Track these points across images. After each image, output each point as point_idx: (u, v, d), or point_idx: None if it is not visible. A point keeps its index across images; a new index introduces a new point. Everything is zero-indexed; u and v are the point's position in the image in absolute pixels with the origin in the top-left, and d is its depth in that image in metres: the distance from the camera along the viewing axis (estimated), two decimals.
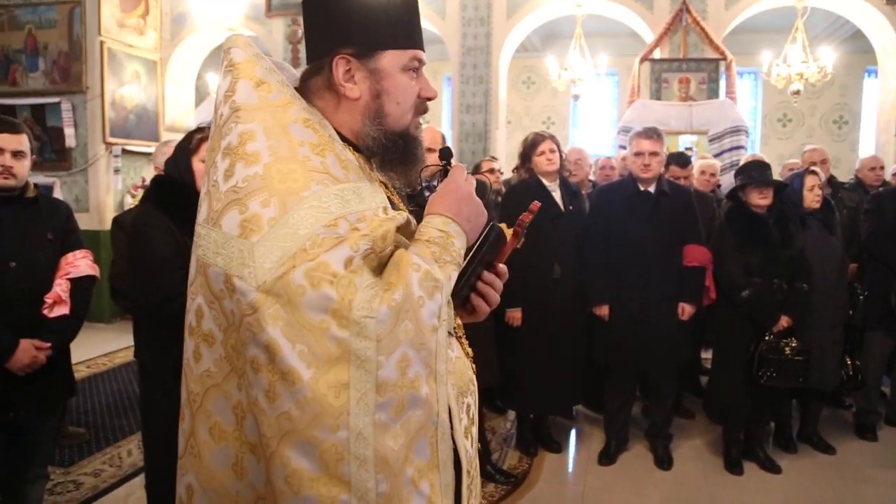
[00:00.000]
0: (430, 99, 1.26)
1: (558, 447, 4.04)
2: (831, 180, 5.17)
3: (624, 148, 5.89)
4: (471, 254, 1.19)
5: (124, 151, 7.72)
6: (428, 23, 8.13)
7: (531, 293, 3.69)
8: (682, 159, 4.86)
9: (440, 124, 11.88)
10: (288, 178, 1.05)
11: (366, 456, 0.98)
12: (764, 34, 8.82)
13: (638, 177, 3.77)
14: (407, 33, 1.21)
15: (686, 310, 3.72)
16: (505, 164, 6.56)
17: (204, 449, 1.10)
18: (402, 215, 1.15)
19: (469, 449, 1.19)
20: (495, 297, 1.27)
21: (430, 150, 3.10)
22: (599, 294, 3.80)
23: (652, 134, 3.73)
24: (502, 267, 1.27)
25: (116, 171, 7.68)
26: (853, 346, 4.21)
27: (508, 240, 1.22)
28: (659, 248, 3.69)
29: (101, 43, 7.41)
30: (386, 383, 1.00)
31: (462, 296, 1.21)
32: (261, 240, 1.01)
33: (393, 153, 1.23)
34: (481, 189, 3.77)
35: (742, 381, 3.68)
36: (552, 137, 3.87)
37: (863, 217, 4.46)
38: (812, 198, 3.87)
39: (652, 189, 3.77)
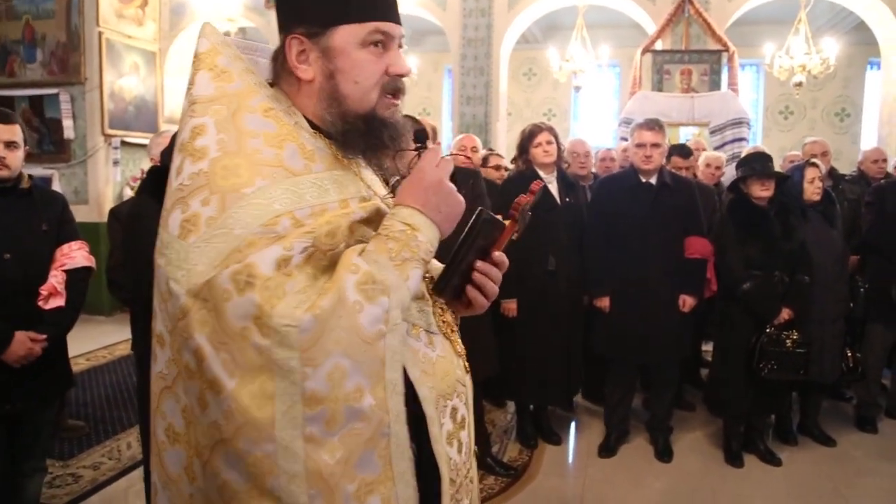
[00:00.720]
0: (401, 75, 1.16)
1: (558, 439, 4.04)
2: (832, 172, 5.15)
3: (625, 140, 5.86)
4: (458, 243, 1.12)
5: (123, 143, 7.70)
6: (429, 14, 8.10)
7: (526, 284, 3.68)
8: (683, 150, 4.86)
9: (440, 116, 11.85)
10: (232, 175, 1.00)
11: (295, 471, 0.94)
12: (766, 26, 8.78)
13: (639, 168, 3.74)
14: (366, 4, 1.11)
15: (687, 302, 3.71)
16: (506, 156, 6.51)
17: (161, 450, 1.08)
18: (368, 206, 1.10)
19: (454, 456, 1.13)
20: (493, 288, 1.19)
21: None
22: (600, 285, 3.79)
23: (654, 125, 3.71)
24: (500, 255, 1.19)
25: (115, 162, 7.66)
26: (854, 339, 4.20)
27: (507, 225, 1.14)
28: (660, 240, 3.67)
29: (100, 34, 7.37)
30: (315, 395, 0.94)
31: (453, 286, 1.15)
32: (197, 241, 0.98)
33: (354, 137, 1.14)
34: (473, 176, 3.66)
35: (743, 373, 3.67)
36: (550, 129, 3.85)
37: (864, 209, 4.46)
38: (812, 190, 3.85)
39: (653, 180, 3.75)
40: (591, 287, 3.83)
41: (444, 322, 1.20)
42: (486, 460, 3.58)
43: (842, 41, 9.03)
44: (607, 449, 3.90)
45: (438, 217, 1.08)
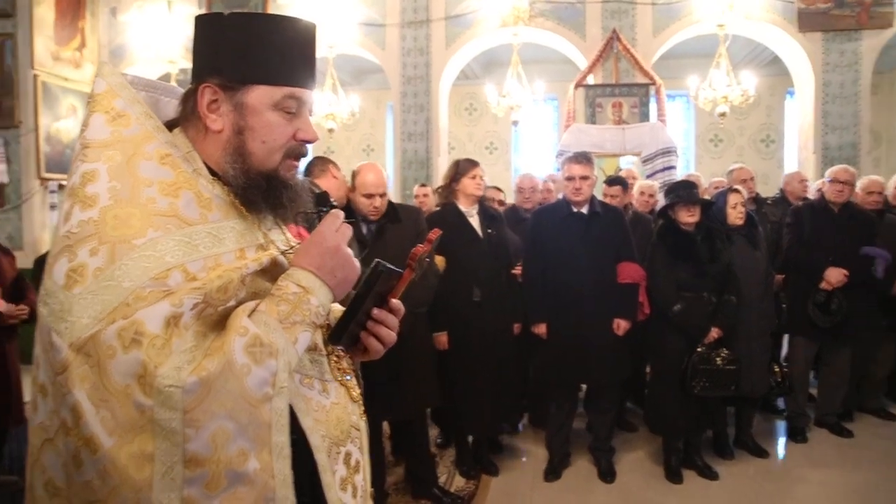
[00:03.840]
0: (308, 142, 1.18)
1: (496, 470, 4.05)
2: (756, 197, 5.45)
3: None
4: (355, 293, 1.15)
5: (61, 187, 7.56)
6: (368, 53, 8.26)
7: (454, 317, 3.73)
8: (618, 179, 5.09)
9: (384, 151, 11.97)
10: (123, 225, 0.99)
11: None
12: (690, 59, 9.22)
13: (571, 199, 3.91)
14: (285, 70, 1.13)
15: (621, 325, 3.85)
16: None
17: None
18: (264, 258, 1.10)
19: (348, 501, 1.15)
20: (389, 335, 1.22)
21: (369, 195, 3.20)
22: (537, 313, 3.90)
23: (582, 159, 3.89)
24: (396, 302, 1.22)
25: (52, 207, 7.51)
26: (781, 354, 4.42)
27: (404, 274, 1.18)
28: (593, 267, 3.82)
29: (35, 76, 7.28)
30: (197, 457, 0.93)
31: (351, 335, 1.18)
32: (82, 292, 0.95)
33: (254, 194, 1.14)
34: (416, 214, 3.79)
35: (677, 392, 3.82)
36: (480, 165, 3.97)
37: (785, 230, 4.72)
38: (735, 215, 4.07)
39: (585, 210, 3.92)
40: (529, 315, 3.94)
41: (339, 369, 1.22)
42: (433, 490, 3.62)
43: (762, 72, 9.57)
44: (551, 472, 3.98)
45: (333, 281, 1.10)
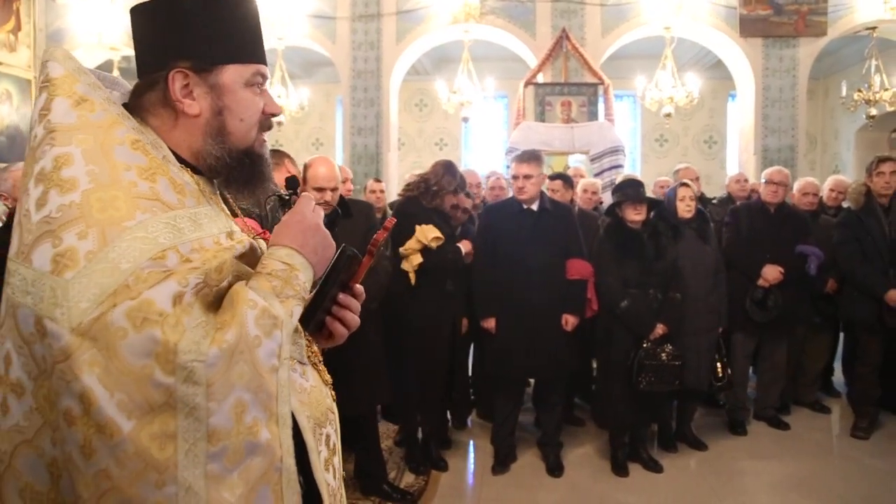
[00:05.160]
0: (274, 115, 1.23)
1: (445, 465, 4.06)
2: (701, 197, 5.61)
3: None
4: (323, 278, 1.16)
5: None
6: (319, 46, 8.16)
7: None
8: (564, 177, 5.16)
9: (334, 146, 11.84)
10: (109, 207, 0.97)
11: None
12: (638, 60, 9.41)
13: (517, 198, 3.95)
14: (249, 47, 1.17)
15: (570, 321, 3.89)
16: (397, 185, 6.66)
17: None
18: (245, 242, 1.11)
19: (331, 482, 1.17)
20: (353, 320, 1.24)
21: (320, 189, 3.16)
22: (486, 308, 3.93)
23: (527, 158, 3.92)
24: (358, 287, 1.24)
25: None
26: (727, 349, 4.53)
27: (364, 260, 1.21)
28: (542, 263, 3.85)
29: None
30: (218, 431, 0.93)
31: (318, 320, 1.19)
32: (76, 276, 0.92)
33: (238, 172, 1.18)
34: (367, 209, 3.80)
35: (624, 387, 3.88)
36: None
37: (724, 229, 4.86)
38: (684, 208, 4.16)
39: (535, 207, 3.95)
40: (479, 309, 3.97)
41: (312, 353, 1.23)
42: (383, 487, 3.59)
43: (706, 75, 9.84)
44: (499, 465, 4.00)
45: (314, 258, 1.12)
